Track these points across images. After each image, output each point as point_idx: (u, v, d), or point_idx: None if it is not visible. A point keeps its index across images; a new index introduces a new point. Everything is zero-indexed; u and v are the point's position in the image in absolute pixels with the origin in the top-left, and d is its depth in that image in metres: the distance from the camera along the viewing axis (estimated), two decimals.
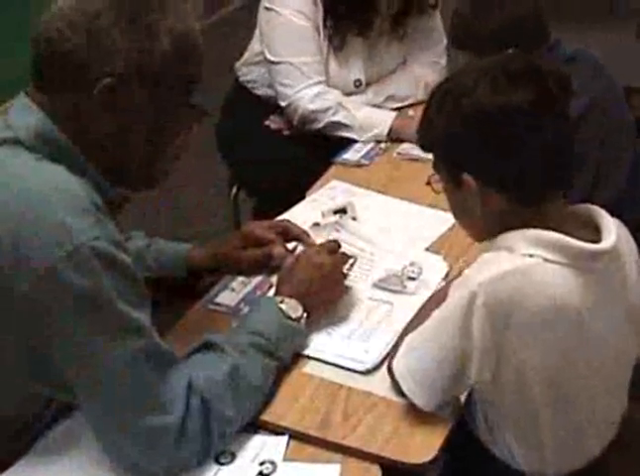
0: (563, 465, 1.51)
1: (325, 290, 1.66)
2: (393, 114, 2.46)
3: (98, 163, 1.39)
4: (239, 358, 1.46)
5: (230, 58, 2.76)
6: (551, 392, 1.42)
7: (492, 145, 1.37)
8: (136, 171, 1.46)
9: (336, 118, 2.45)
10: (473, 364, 1.40)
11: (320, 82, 2.47)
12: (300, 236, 1.88)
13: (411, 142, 2.33)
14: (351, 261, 1.78)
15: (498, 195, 1.40)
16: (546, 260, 1.38)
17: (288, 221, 1.92)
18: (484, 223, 1.45)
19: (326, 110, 2.45)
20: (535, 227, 1.39)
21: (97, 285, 1.28)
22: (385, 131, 2.42)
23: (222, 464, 1.42)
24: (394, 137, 2.42)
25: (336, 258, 1.71)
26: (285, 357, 1.55)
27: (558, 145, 1.38)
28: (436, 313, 1.45)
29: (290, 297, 1.60)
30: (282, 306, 1.57)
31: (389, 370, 1.52)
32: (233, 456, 1.43)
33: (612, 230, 1.41)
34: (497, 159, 1.38)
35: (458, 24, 2.21)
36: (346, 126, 2.45)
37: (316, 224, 1.97)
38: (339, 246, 1.75)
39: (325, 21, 2.45)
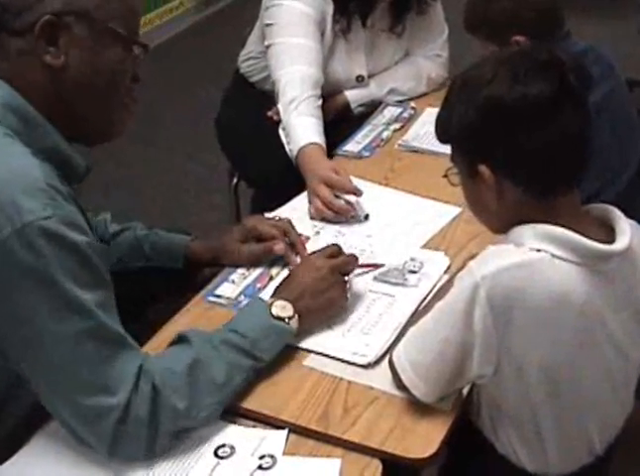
0: (565, 464, 1.50)
1: (321, 293, 1.64)
2: (303, 143, 2.15)
3: (56, 117, 1.42)
4: (205, 352, 1.44)
5: (230, 48, 2.75)
6: (551, 389, 1.41)
7: (509, 135, 1.35)
8: (91, 119, 1.48)
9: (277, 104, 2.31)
10: (474, 357, 1.39)
11: (301, 71, 2.31)
12: (296, 243, 1.87)
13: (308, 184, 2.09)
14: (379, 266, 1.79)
15: (514, 188, 1.39)
16: (554, 256, 1.36)
17: (290, 223, 1.90)
18: (500, 216, 1.43)
19: (275, 94, 2.32)
20: (548, 222, 1.38)
21: (43, 263, 1.30)
22: (292, 153, 2.19)
23: (221, 458, 1.41)
24: (296, 163, 2.16)
25: (334, 262, 1.69)
26: (264, 356, 1.52)
27: (575, 137, 1.37)
28: (439, 305, 1.44)
29: (284, 299, 1.58)
30: (272, 308, 1.56)
31: (390, 362, 1.51)
32: (232, 450, 1.42)
33: (627, 232, 1.40)
34: (513, 150, 1.36)
35: (472, 8, 2.18)
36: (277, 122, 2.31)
37: (317, 233, 1.96)
38: (340, 250, 1.73)
39: (335, 7, 2.41)
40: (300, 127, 2.20)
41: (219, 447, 1.42)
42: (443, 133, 1.48)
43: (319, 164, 2.10)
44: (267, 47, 2.42)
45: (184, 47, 5.11)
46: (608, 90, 2.06)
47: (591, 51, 2.14)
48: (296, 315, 1.57)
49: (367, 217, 2.02)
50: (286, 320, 1.56)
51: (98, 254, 1.38)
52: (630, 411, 1.54)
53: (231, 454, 1.41)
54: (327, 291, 1.65)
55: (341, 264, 1.70)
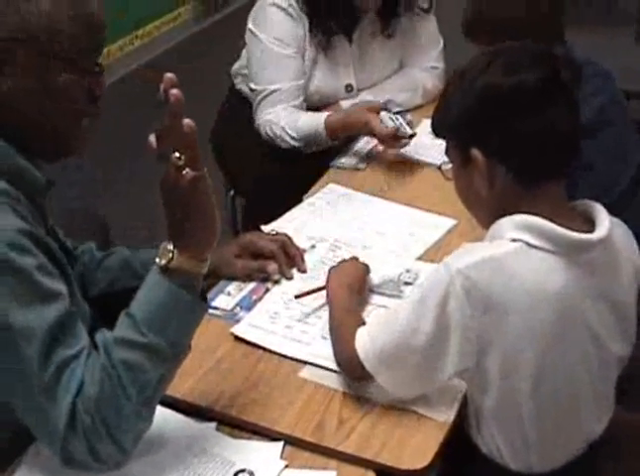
0: (548, 461, 1.50)
1: (183, 211, 1.41)
2: (323, 116, 2.41)
3: (8, 135, 1.41)
4: (104, 362, 1.35)
5: (228, 59, 2.76)
6: (533, 382, 1.42)
7: (503, 121, 1.40)
8: (43, 141, 1.46)
9: (287, 144, 2.43)
10: (450, 352, 1.40)
11: (285, 108, 2.44)
12: (294, 257, 1.88)
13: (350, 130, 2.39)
14: None
15: (504, 174, 1.42)
16: (529, 245, 1.39)
17: (288, 237, 1.91)
18: (489, 206, 1.46)
19: (276, 139, 2.44)
20: (530, 213, 1.40)
21: None
22: (324, 134, 2.39)
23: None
24: (334, 135, 2.39)
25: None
26: (157, 340, 1.35)
27: (565, 128, 1.40)
28: (412, 298, 1.46)
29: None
30: (157, 262, 1.38)
31: (348, 350, 1.52)
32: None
33: (605, 224, 1.42)
34: (506, 135, 1.40)
35: (471, 16, 2.16)
36: (299, 147, 2.43)
37: (312, 247, 1.97)
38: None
39: (311, 25, 2.44)
40: (307, 115, 2.43)
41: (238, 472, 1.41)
42: (440, 124, 1.52)
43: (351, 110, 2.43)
44: (250, 89, 2.53)
45: (183, 58, 5.12)
46: (602, 105, 2.07)
47: (589, 64, 2.14)
48: (174, 252, 1.38)
49: (411, 137, 2.28)
50: (165, 263, 1.37)
51: (45, 270, 1.36)
52: (611, 414, 1.54)
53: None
54: (182, 203, 1.43)
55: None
